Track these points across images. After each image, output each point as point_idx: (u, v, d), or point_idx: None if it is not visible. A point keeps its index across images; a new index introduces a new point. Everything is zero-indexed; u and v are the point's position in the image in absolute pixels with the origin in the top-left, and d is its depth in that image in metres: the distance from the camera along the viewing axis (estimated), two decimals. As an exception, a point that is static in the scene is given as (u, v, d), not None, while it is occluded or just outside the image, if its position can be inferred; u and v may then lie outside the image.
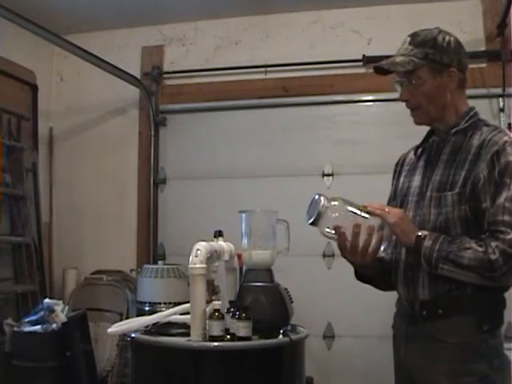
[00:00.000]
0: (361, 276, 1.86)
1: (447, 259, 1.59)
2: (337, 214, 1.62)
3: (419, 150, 1.85)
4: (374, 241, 1.61)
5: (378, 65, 1.75)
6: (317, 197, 1.64)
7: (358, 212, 1.62)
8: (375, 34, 3.59)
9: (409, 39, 1.75)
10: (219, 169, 3.73)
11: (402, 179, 1.88)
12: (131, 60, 3.89)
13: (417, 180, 1.78)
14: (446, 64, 1.70)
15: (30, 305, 3.29)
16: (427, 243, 1.60)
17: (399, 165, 1.95)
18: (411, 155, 1.90)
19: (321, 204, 1.61)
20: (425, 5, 3.42)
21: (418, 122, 1.78)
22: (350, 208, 1.63)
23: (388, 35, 3.53)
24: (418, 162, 1.82)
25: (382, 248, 1.64)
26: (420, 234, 1.62)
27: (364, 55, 3.55)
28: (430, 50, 1.70)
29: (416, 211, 1.73)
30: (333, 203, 1.63)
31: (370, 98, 3.59)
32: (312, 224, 1.62)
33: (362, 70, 3.59)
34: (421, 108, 1.74)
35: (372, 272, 1.80)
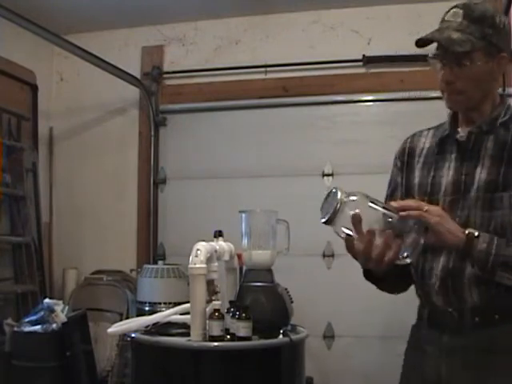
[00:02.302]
0: (370, 276, 1.59)
1: (508, 266, 1.39)
2: (356, 211, 1.35)
3: (439, 140, 1.60)
4: (391, 251, 1.35)
5: (430, 38, 1.58)
6: (334, 190, 1.38)
7: (383, 210, 1.38)
8: (375, 34, 3.59)
9: (461, 12, 1.54)
10: (219, 169, 3.73)
11: (418, 173, 1.61)
12: (131, 60, 3.88)
13: (448, 176, 1.53)
14: (500, 48, 1.50)
15: (30, 305, 3.29)
16: (481, 246, 1.38)
17: (407, 155, 1.67)
18: (425, 144, 1.65)
19: (338, 199, 1.36)
20: (425, 5, 3.41)
21: (453, 108, 1.56)
22: (373, 205, 1.38)
23: (388, 35, 3.54)
24: (445, 155, 1.57)
25: (405, 254, 1.38)
26: (471, 232, 1.39)
27: (364, 55, 3.55)
28: (489, 29, 1.48)
29: (453, 212, 1.47)
30: (352, 198, 1.37)
31: (369, 97, 3.59)
32: (326, 223, 1.37)
33: (362, 70, 3.59)
34: (465, 93, 1.50)
35: (385, 275, 1.53)
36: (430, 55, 1.57)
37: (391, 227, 1.35)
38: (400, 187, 1.67)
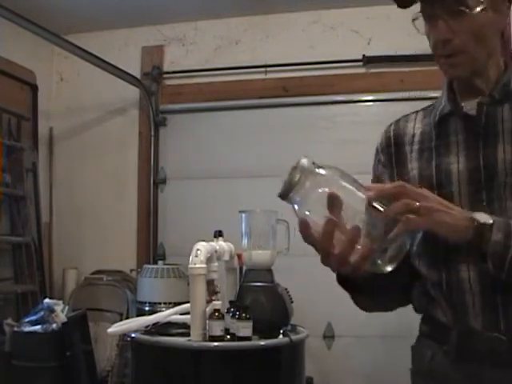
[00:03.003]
0: (344, 283, 1.22)
1: None
2: (325, 190, 0.99)
3: (438, 120, 1.26)
4: (359, 252, 0.98)
5: None
6: (302, 159, 1.05)
7: (360, 195, 1.01)
8: (375, 33, 3.59)
9: None
10: (219, 169, 3.73)
11: (414, 164, 1.26)
12: (131, 60, 3.88)
13: (459, 162, 1.19)
14: None
15: (30, 305, 3.29)
16: (496, 236, 1.05)
17: (394, 145, 1.33)
18: (415, 130, 1.31)
19: (301, 168, 1.02)
20: (425, 5, 3.41)
21: (454, 75, 1.23)
22: (348, 186, 1.02)
23: (388, 35, 3.54)
24: (448, 138, 1.22)
25: (383, 258, 1.01)
26: (479, 220, 1.06)
27: (364, 55, 3.55)
28: None
29: (474, 206, 1.14)
30: (320, 171, 1.02)
31: (370, 97, 3.59)
32: (281, 197, 1.03)
33: (362, 70, 3.59)
34: (466, 51, 1.17)
35: (364, 284, 1.18)
36: (413, 16, 1.34)
37: (369, 223, 1.00)
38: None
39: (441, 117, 1.25)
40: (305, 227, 1.01)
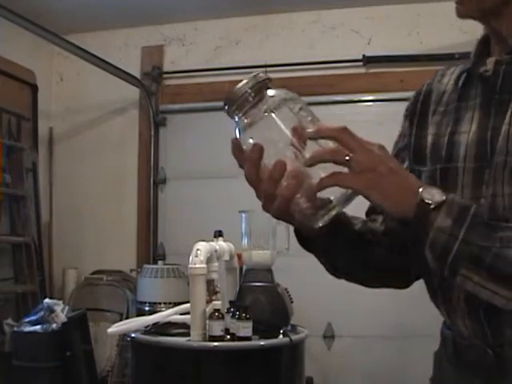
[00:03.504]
0: (305, 240, 1.00)
1: (480, 262, 0.81)
2: (271, 116, 0.84)
3: (463, 78, 1.05)
4: (303, 195, 0.82)
5: None
6: (261, 75, 0.90)
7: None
8: (375, 33, 3.59)
9: None
10: (219, 169, 3.73)
11: (432, 129, 1.05)
12: (131, 60, 3.88)
13: (470, 132, 0.98)
14: None
15: (30, 305, 3.29)
16: (443, 221, 0.82)
17: (421, 102, 1.11)
18: (447, 86, 1.08)
19: (251, 84, 0.87)
20: (425, 5, 3.41)
21: (461, 12, 0.99)
22: (297, 115, 0.86)
23: (388, 35, 3.54)
24: (468, 100, 1.02)
25: (318, 223, 0.84)
26: (426, 197, 0.83)
27: (364, 55, 3.55)
28: None
29: (476, 189, 0.94)
30: (273, 93, 0.88)
31: (370, 97, 3.59)
32: (227, 113, 0.87)
33: (362, 70, 3.58)
34: None
35: (320, 241, 0.98)
36: None
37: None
38: (408, 149, 1.10)
39: (463, 74, 1.06)
40: (236, 148, 0.86)
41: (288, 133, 0.83)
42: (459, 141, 1.00)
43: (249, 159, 0.85)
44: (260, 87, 0.87)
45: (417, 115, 1.11)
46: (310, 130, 0.83)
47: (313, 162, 0.82)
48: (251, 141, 0.85)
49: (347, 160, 0.82)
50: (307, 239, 0.99)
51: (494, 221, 0.86)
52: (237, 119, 0.87)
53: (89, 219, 3.90)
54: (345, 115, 3.62)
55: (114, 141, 3.94)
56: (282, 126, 0.84)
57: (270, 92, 0.88)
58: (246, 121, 0.86)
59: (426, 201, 0.83)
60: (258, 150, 0.84)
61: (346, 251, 1.03)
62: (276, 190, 0.83)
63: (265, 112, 0.85)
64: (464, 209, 0.84)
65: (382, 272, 1.08)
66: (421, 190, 0.84)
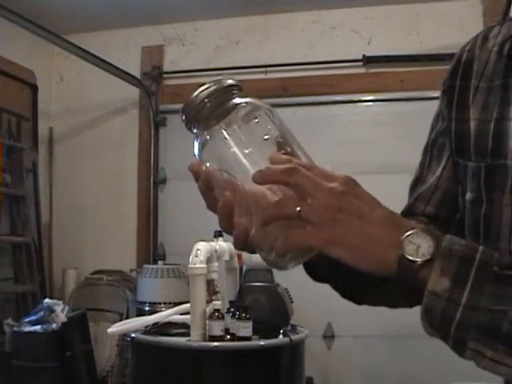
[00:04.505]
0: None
1: (493, 332, 0.59)
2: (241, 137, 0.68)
3: (509, 43, 0.79)
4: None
5: None
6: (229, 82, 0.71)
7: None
8: (375, 33, 3.59)
9: None
10: (219, 169, 3.73)
11: (478, 112, 0.80)
12: (131, 60, 3.88)
13: None
14: None
15: (30, 305, 3.29)
16: (437, 284, 0.61)
17: (460, 74, 0.85)
18: (490, 54, 0.82)
19: (212, 90, 0.71)
20: (425, 5, 3.42)
21: None
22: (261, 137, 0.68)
23: (388, 35, 3.54)
24: None
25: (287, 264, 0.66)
26: (408, 251, 0.61)
27: (364, 55, 3.55)
28: None
29: None
30: (244, 102, 0.70)
31: (370, 97, 3.59)
32: (186, 126, 0.76)
33: (362, 70, 3.58)
34: None
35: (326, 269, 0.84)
36: None
37: None
38: (447, 136, 0.85)
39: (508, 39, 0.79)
40: (196, 169, 0.73)
41: (244, 162, 0.66)
42: (508, 130, 0.75)
43: (201, 191, 0.72)
44: (223, 95, 0.70)
45: (456, 93, 0.85)
46: (255, 174, 0.64)
47: (262, 222, 0.63)
48: (208, 164, 0.70)
49: (298, 212, 0.62)
50: (310, 266, 0.84)
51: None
52: (195, 131, 0.73)
53: (89, 219, 3.90)
54: (345, 115, 3.62)
55: (114, 141, 3.94)
56: (238, 152, 0.66)
57: (237, 101, 0.69)
58: (206, 136, 0.71)
59: (409, 257, 0.60)
60: (205, 183, 0.71)
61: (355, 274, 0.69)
62: (227, 221, 0.69)
63: (223, 129, 0.68)
64: (465, 260, 0.60)
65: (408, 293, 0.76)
66: (403, 237, 0.61)
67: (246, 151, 0.67)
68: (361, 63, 3.57)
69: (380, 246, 0.62)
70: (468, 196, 0.79)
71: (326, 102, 3.64)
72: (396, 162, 3.27)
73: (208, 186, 0.71)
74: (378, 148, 3.44)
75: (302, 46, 3.69)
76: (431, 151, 0.91)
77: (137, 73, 3.86)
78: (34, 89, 3.75)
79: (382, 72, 3.55)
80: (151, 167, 3.85)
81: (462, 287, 0.60)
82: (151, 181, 3.84)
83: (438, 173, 0.88)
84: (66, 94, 4.05)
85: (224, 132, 0.68)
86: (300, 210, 0.62)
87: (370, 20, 3.62)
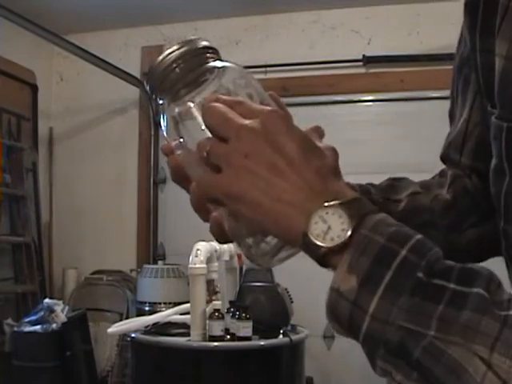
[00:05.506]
0: None
1: (405, 355, 0.44)
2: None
3: None
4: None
5: None
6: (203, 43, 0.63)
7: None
8: (375, 33, 3.59)
9: None
10: (219, 169, 3.73)
11: (501, 49, 0.56)
12: (131, 60, 3.88)
13: None
14: None
15: (30, 305, 3.29)
16: (342, 281, 0.48)
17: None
18: None
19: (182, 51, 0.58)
20: (425, 5, 3.42)
21: None
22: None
23: (388, 35, 3.54)
24: None
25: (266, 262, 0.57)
26: (315, 230, 0.47)
27: (364, 55, 3.55)
28: None
29: None
30: (220, 67, 0.60)
31: (370, 97, 3.59)
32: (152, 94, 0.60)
33: (362, 70, 3.58)
34: None
35: None
36: None
37: None
38: (473, 67, 0.65)
39: None
40: (166, 147, 0.63)
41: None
42: None
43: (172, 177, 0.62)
44: (195, 59, 0.59)
45: (479, 16, 0.62)
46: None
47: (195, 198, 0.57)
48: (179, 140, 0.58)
49: (207, 154, 0.52)
50: None
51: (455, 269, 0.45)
52: (161, 102, 0.60)
53: (89, 219, 3.90)
54: (345, 115, 3.62)
55: (114, 141, 3.94)
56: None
57: (211, 66, 0.59)
58: (174, 109, 0.58)
59: (313, 239, 0.47)
60: (174, 172, 0.62)
61: None
62: (198, 204, 0.61)
63: (194, 100, 0.56)
64: (383, 257, 0.45)
65: None
66: (315, 211, 0.47)
67: None
68: (361, 63, 3.57)
69: (288, 210, 0.48)
70: (492, 162, 0.61)
71: (326, 102, 3.64)
72: (396, 162, 3.27)
73: (178, 175, 0.61)
74: (378, 148, 3.44)
75: (302, 45, 3.69)
76: (457, 81, 0.75)
77: (137, 73, 3.86)
78: (34, 89, 3.75)
79: (382, 72, 3.55)
80: (151, 167, 3.85)
81: (372, 292, 0.45)
82: (151, 181, 3.85)
83: (465, 115, 0.73)
84: (65, 94, 4.05)
85: (195, 103, 0.56)
86: (208, 153, 0.51)
87: (369, 20, 3.62)
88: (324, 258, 0.48)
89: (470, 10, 0.64)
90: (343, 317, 0.48)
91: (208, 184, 0.53)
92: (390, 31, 3.52)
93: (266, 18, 3.76)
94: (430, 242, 0.46)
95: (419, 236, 0.46)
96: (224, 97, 0.54)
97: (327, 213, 0.47)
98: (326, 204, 0.47)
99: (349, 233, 0.46)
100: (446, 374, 0.42)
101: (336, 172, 0.53)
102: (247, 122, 0.51)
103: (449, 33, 3.65)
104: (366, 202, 0.48)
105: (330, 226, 0.47)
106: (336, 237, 0.47)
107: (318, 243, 0.47)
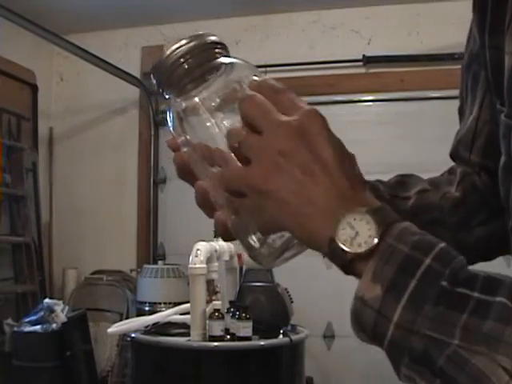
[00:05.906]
0: None
1: (428, 363, 0.45)
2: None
3: None
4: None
5: None
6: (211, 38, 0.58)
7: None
8: (375, 33, 3.59)
9: None
10: (219, 169, 3.73)
11: (510, 43, 0.57)
12: (131, 60, 3.88)
13: None
14: None
15: (30, 305, 3.29)
16: (367, 290, 0.48)
17: None
18: None
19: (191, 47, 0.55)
20: (425, 5, 3.42)
21: None
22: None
23: (388, 35, 3.54)
24: None
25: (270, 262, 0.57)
26: (343, 236, 0.48)
27: (364, 55, 3.55)
28: None
29: None
30: (229, 63, 0.57)
31: (370, 97, 3.59)
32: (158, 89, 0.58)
33: (362, 70, 3.58)
34: None
35: None
36: None
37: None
38: (482, 64, 0.65)
39: None
40: (172, 143, 0.59)
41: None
42: None
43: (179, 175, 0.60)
44: (203, 54, 0.56)
45: (488, 13, 0.62)
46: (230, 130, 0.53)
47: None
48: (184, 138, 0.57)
49: (238, 145, 0.50)
50: None
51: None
52: (168, 97, 0.58)
53: (89, 219, 3.90)
54: (345, 115, 3.62)
55: (114, 141, 3.94)
56: (218, 124, 0.54)
57: (220, 62, 0.57)
58: (181, 104, 0.57)
59: (340, 244, 0.48)
60: (180, 169, 0.59)
61: None
62: (204, 202, 0.58)
63: (201, 95, 0.55)
64: (407, 266, 0.46)
65: None
66: (344, 216, 0.48)
67: (228, 123, 0.54)
68: (361, 63, 3.57)
69: (317, 214, 0.48)
70: (501, 159, 0.61)
71: (326, 102, 3.63)
72: (396, 162, 3.27)
73: (184, 172, 0.59)
74: (378, 148, 3.44)
75: (301, 45, 3.69)
76: (466, 79, 0.74)
77: (137, 73, 3.86)
78: (34, 89, 3.75)
79: (382, 72, 3.55)
80: (151, 167, 3.85)
81: (396, 301, 0.46)
82: (151, 181, 3.85)
83: (474, 113, 0.73)
84: (65, 94, 4.05)
85: (202, 99, 0.55)
86: (240, 143, 0.50)
87: (369, 20, 3.62)
88: (350, 263, 0.48)
89: (479, 7, 0.64)
90: (368, 325, 0.49)
91: (234, 174, 0.51)
92: (389, 31, 3.52)
93: (265, 17, 3.77)
94: (453, 250, 0.46)
95: (443, 244, 0.46)
96: (270, 82, 0.53)
97: (355, 219, 0.47)
98: (355, 210, 0.48)
99: (376, 240, 0.47)
100: (469, 383, 0.43)
101: (364, 181, 0.53)
102: (286, 118, 0.50)
103: (449, 33, 3.67)
104: (390, 211, 0.49)
105: (358, 232, 0.47)
106: (363, 243, 0.47)
107: (346, 249, 0.48)
